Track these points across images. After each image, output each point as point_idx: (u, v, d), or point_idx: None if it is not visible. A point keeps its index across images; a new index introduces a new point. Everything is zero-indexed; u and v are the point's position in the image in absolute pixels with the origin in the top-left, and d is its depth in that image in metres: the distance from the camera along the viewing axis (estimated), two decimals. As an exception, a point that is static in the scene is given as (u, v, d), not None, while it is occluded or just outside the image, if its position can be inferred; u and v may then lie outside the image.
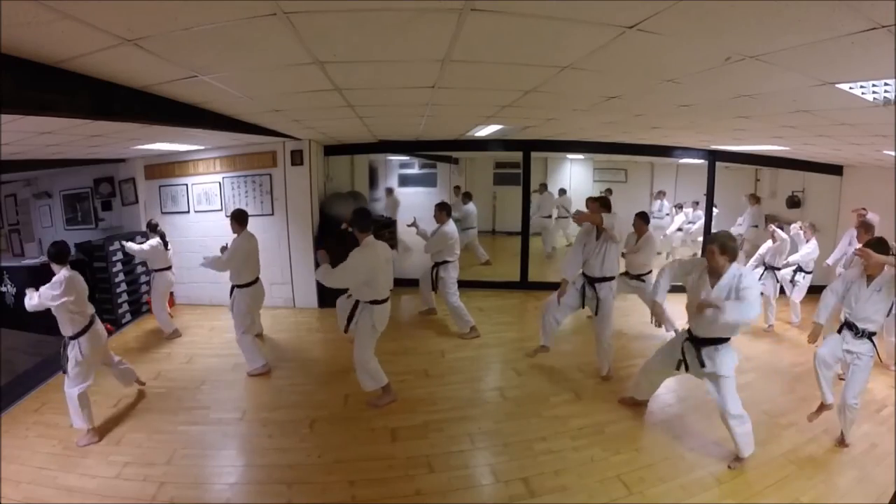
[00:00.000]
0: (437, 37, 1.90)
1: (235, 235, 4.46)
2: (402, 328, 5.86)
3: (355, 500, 2.82)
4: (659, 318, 3.40)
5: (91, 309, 3.52)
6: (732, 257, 2.93)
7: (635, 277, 5.26)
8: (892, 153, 4.60)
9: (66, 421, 3.59)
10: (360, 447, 3.31)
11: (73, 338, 3.37)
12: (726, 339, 3.06)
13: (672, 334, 4.85)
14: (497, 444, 3.36)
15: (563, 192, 9.94)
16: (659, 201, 9.57)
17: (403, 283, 7.22)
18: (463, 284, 6.62)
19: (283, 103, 3.45)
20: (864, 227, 4.60)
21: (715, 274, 2.97)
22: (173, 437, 3.44)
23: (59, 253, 3.37)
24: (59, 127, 3.28)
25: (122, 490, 2.86)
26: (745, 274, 2.92)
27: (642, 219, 5.24)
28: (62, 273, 3.32)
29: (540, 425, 3.56)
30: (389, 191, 8.89)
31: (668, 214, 9.35)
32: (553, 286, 6.23)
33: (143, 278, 6.07)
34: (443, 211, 5.35)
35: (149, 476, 2.98)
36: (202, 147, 6.06)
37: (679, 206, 8.93)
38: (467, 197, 8.75)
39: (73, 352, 3.36)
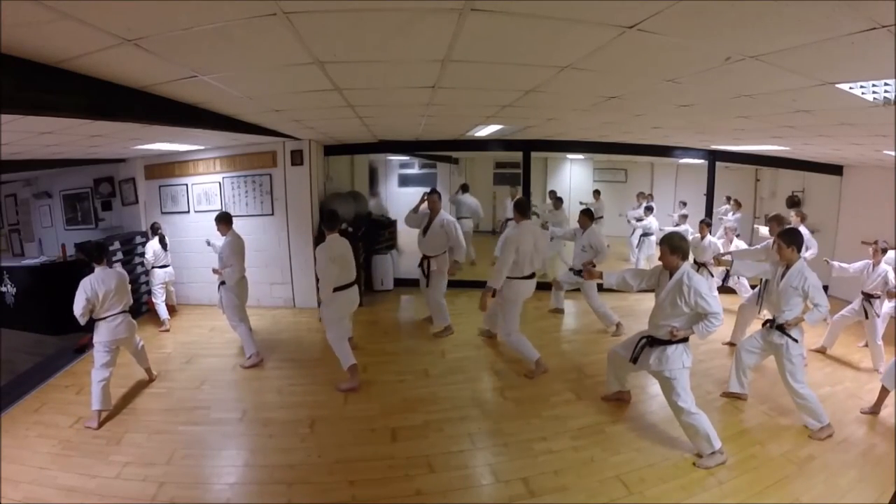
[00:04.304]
0: (437, 37, 1.90)
1: (225, 237, 4.67)
2: (402, 328, 5.86)
3: (355, 500, 2.82)
4: (589, 273, 3.73)
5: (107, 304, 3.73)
6: (683, 256, 3.09)
7: (578, 273, 5.36)
8: (892, 153, 4.60)
9: (66, 421, 3.60)
10: (360, 447, 3.31)
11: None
12: (678, 341, 3.12)
13: (614, 327, 5.38)
14: (497, 444, 3.36)
15: (559, 200, 8.80)
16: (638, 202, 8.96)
17: (403, 283, 7.24)
18: (463, 284, 6.61)
19: (283, 103, 3.45)
20: (777, 220, 4.69)
21: (670, 273, 3.13)
22: (173, 437, 3.44)
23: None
24: (59, 127, 3.28)
25: (122, 490, 2.86)
26: (691, 273, 3.06)
27: (586, 215, 5.58)
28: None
29: (540, 425, 3.56)
30: (374, 194, 8.98)
31: (637, 219, 8.60)
32: (551, 286, 6.26)
33: (143, 278, 6.07)
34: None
35: (149, 476, 2.98)
36: (202, 147, 6.06)
37: (650, 209, 8.54)
38: (464, 188, 8.79)
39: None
